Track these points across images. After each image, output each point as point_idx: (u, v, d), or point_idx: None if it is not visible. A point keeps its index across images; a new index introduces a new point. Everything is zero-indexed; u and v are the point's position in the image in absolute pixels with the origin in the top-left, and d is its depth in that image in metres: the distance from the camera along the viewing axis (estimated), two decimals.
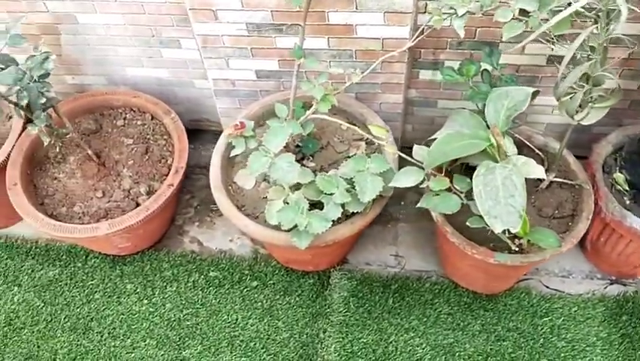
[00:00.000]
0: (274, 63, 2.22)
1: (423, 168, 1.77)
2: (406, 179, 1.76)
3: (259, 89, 2.35)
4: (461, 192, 1.77)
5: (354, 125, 2.11)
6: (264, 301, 2.40)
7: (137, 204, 2.22)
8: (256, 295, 2.42)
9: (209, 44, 2.15)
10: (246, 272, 2.48)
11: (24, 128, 2.36)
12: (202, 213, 2.71)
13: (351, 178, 1.88)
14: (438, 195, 1.76)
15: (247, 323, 2.35)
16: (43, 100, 1.87)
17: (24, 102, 1.80)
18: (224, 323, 2.36)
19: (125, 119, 2.45)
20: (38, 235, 2.62)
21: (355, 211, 1.92)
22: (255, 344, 2.31)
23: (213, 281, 2.46)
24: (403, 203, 2.64)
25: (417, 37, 1.94)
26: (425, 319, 2.32)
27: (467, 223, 1.77)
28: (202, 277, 2.47)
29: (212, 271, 2.49)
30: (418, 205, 1.83)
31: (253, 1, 1.97)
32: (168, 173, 2.30)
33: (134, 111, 2.47)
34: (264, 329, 2.34)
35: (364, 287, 2.41)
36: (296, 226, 1.82)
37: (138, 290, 2.44)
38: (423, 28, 1.89)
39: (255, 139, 1.99)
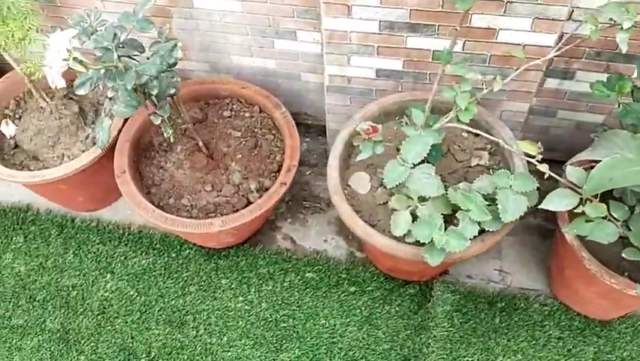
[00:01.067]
0: (398, 63, 2.11)
1: (577, 191, 1.64)
2: (559, 202, 1.63)
3: (375, 88, 2.24)
4: (617, 221, 1.64)
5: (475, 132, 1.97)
6: (363, 309, 2.31)
7: (248, 201, 2.14)
8: (354, 302, 2.33)
9: (335, 40, 2.04)
10: (343, 276, 2.40)
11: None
12: (294, 210, 2.62)
13: (488, 194, 1.78)
14: (591, 221, 1.64)
15: (346, 330, 2.27)
16: (172, 90, 1.78)
17: (154, 92, 1.71)
18: (322, 327, 2.28)
19: (231, 110, 2.36)
20: (129, 220, 2.57)
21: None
22: (354, 353, 2.22)
23: (310, 283, 2.38)
24: None
25: (561, 46, 1.81)
26: (534, 342, 2.21)
27: (623, 255, 1.64)
28: (298, 277, 2.39)
29: (309, 272, 2.41)
30: (565, 230, 1.71)
31: None
32: (278, 170, 2.21)
33: (241, 102, 2.38)
34: (364, 338, 2.25)
35: (468, 302, 2.30)
36: (431, 241, 1.72)
37: (233, 286, 2.37)
38: (570, 37, 1.77)
39: (382, 144, 1.89)
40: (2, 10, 1.97)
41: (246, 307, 2.33)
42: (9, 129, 2.42)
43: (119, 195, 2.61)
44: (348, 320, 2.29)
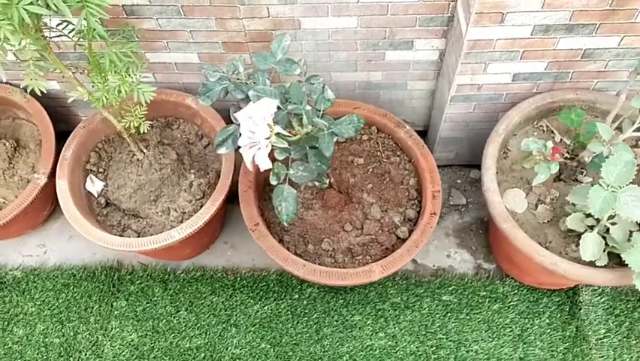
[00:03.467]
0: (542, 64, 1.92)
1: None
2: None
3: (506, 92, 2.06)
4: None
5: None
6: (513, 326, 2.18)
7: (397, 237, 1.95)
8: (501, 320, 2.20)
9: (476, 49, 1.84)
10: (481, 293, 2.25)
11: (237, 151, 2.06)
12: None
13: None
14: None
15: (502, 352, 2.14)
16: (335, 137, 1.56)
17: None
18: (475, 354, 2.14)
19: None
20: (234, 263, 2.36)
21: None
22: None
23: (449, 306, 2.23)
24: None
25: None
26: None
27: None
28: (435, 302, 2.24)
29: (444, 294, 2.25)
30: None
31: (558, 1, 1.65)
32: (417, 197, 2.02)
33: None
34: (522, 358, 2.13)
35: (618, 303, 2.20)
36: None
37: (369, 322, 2.21)
38: None
39: (557, 163, 1.73)
40: (104, 64, 1.68)
41: (390, 343, 2.17)
42: (95, 187, 2.15)
43: (215, 237, 2.41)
44: (501, 340, 2.16)
